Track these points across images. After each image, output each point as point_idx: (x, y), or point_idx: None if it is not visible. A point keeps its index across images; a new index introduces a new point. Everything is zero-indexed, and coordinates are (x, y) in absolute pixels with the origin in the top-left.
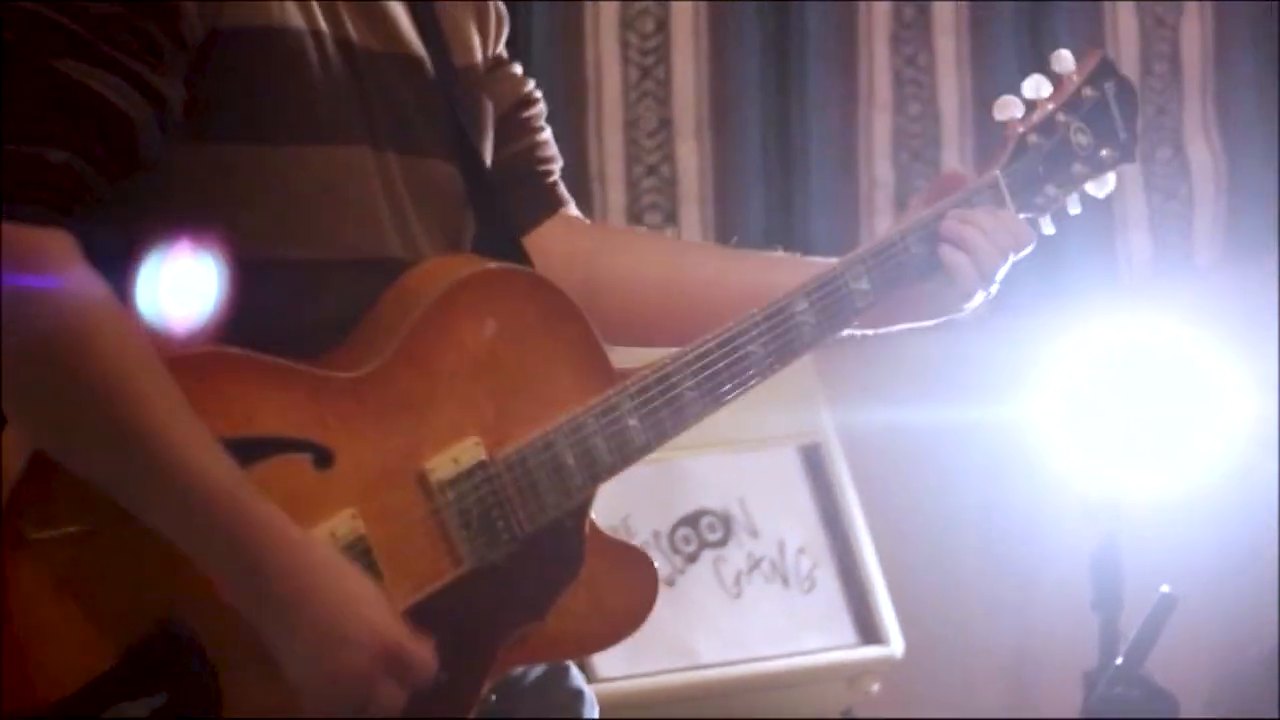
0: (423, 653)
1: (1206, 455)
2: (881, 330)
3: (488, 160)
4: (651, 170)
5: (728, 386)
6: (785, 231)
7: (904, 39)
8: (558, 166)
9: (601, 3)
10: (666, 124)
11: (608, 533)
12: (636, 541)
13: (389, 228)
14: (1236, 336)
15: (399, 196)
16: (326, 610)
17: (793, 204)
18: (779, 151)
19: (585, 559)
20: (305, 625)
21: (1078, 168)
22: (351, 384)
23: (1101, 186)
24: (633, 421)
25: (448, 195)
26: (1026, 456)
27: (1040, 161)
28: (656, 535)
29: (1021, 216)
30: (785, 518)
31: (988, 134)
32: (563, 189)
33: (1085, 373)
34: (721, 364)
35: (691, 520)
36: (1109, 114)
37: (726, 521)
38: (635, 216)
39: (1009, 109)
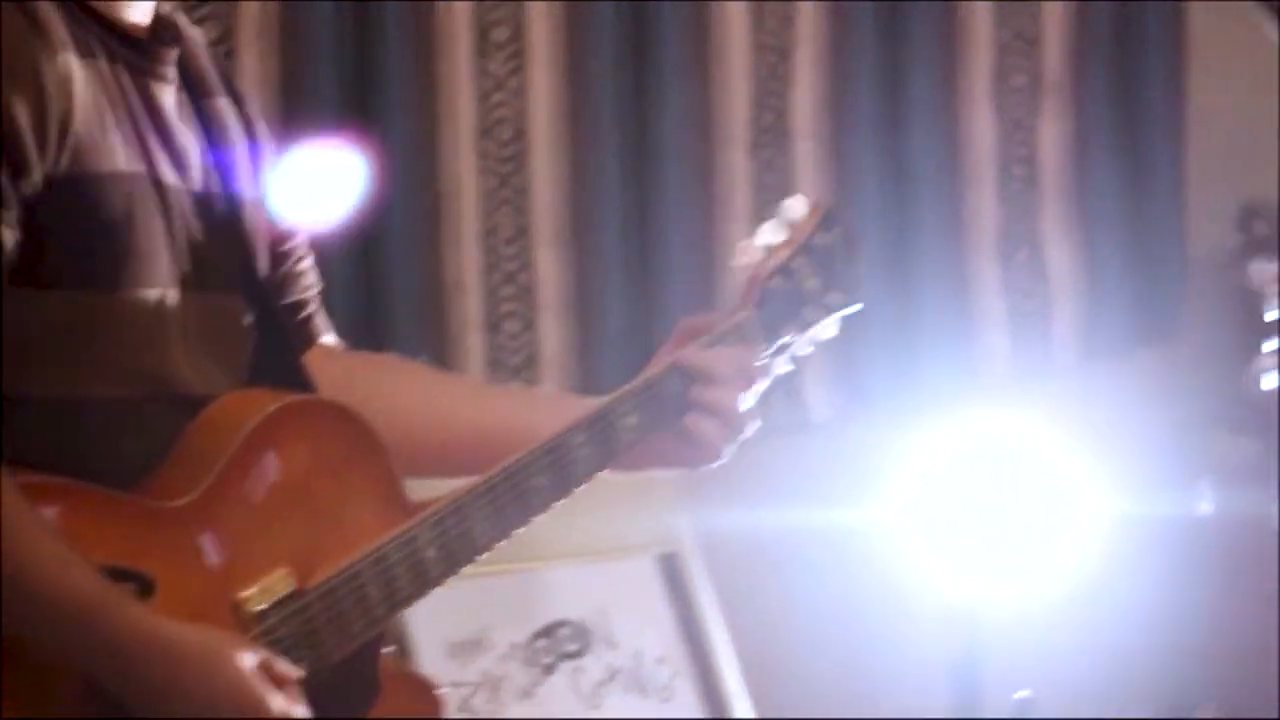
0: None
1: (1065, 557)
2: (638, 471)
3: (265, 288)
4: (510, 278)
5: (516, 518)
6: (645, 340)
7: (762, 143)
8: (313, 295)
9: (460, 110)
10: (525, 232)
11: (395, 660)
12: (495, 653)
13: (188, 364)
14: (1095, 437)
15: (196, 332)
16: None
17: (653, 312)
18: (639, 259)
19: (382, 686)
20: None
21: (809, 311)
22: (171, 514)
23: (829, 329)
24: (430, 553)
25: (237, 327)
26: (885, 561)
27: (779, 305)
28: (514, 647)
29: (762, 358)
30: (644, 627)
31: None
32: (319, 319)
33: (943, 475)
34: (509, 496)
35: (549, 631)
36: (836, 259)
37: (585, 632)
38: (493, 325)
39: (748, 254)
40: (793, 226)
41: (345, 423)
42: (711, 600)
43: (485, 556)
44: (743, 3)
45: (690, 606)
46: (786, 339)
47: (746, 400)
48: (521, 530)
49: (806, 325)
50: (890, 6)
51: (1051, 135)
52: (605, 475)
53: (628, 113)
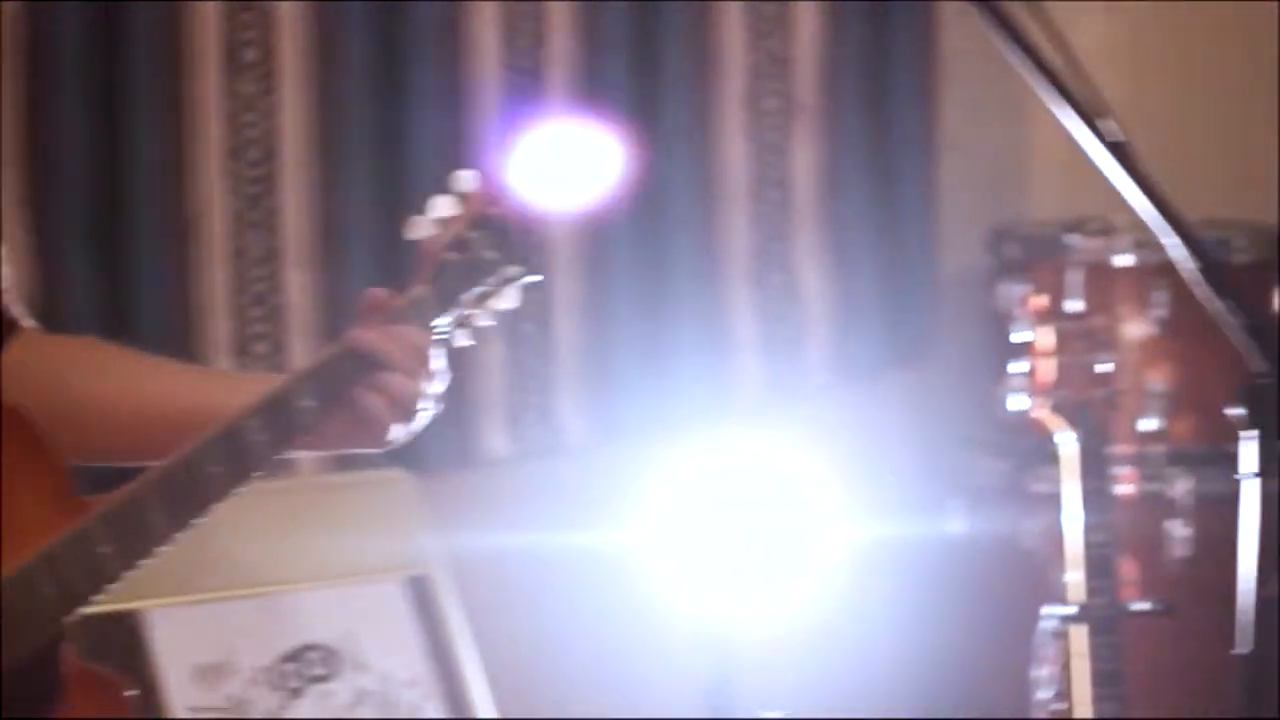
0: None
1: (817, 578)
2: (332, 453)
3: None
4: (259, 300)
5: (194, 508)
6: None
7: None
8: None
9: (209, 131)
10: (274, 253)
11: (79, 660)
12: (241, 677)
13: None
14: (848, 458)
15: None
16: None
17: None
18: (391, 282)
19: (64, 687)
20: None
21: (487, 283)
22: None
23: (509, 301)
24: (104, 549)
25: None
26: (638, 583)
27: (455, 278)
28: (261, 670)
29: (441, 333)
30: (393, 651)
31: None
32: (9, 311)
33: (696, 497)
34: (185, 486)
35: (296, 655)
36: (513, 230)
37: (333, 656)
38: (242, 347)
39: (421, 228)
40: (467, 199)
41: (12, 425)
42: (461, 622)
43: (230, 576)
44: (494, 23)
45: (440, 629)
46: (465, 312)
47: (420, 379)
48: (202, 520)
49: (485, 297)
50: (641, 29)
51: (803, 158)
52: (352, 500)
53: (379, 134)
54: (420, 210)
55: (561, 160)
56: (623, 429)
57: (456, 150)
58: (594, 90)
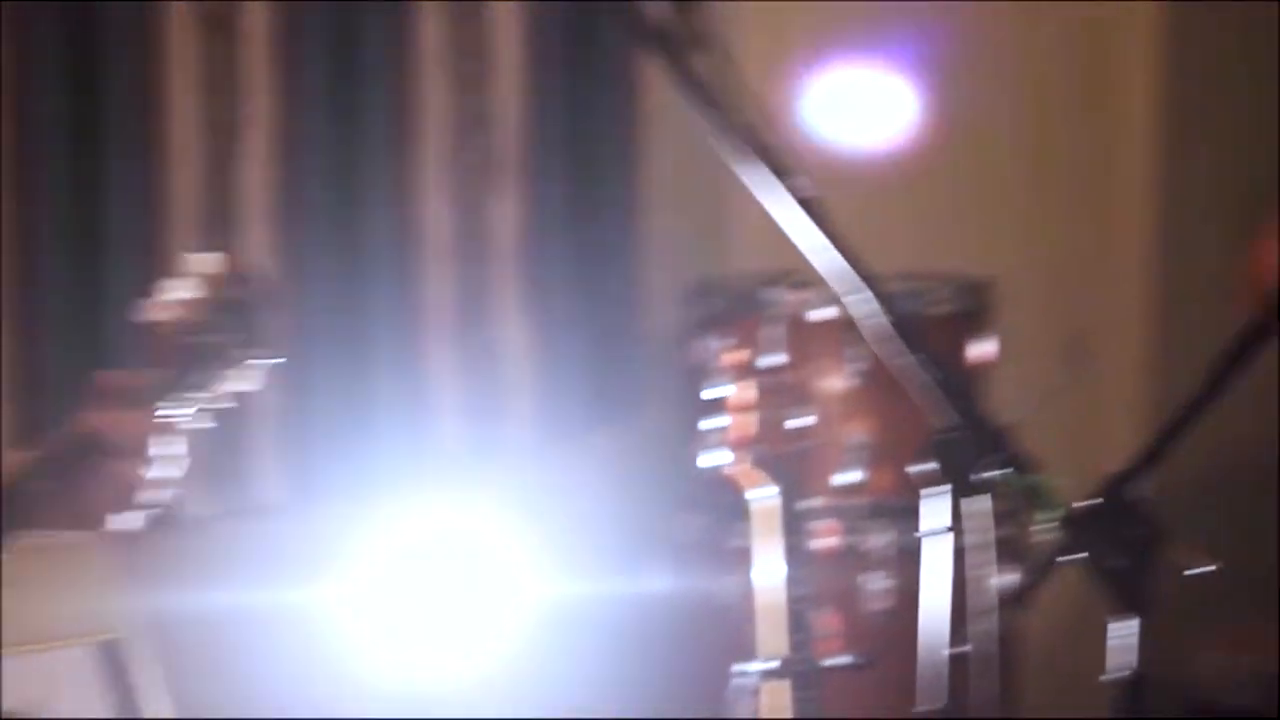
0: None
1: (517, 638)
2: (63, 531)
3: None
4: None
5: None
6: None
7: (211, 226)
8: None
9: None
10: None
11: None
12: None
13: None
14: (550, 518)
15: None
16: None
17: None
18: (85, 346)
19: None
20: None
21: (224, 365)
22: None
23: (249, 383)
24: None
25: None
26: (338, 642)
27: (192, 361)
28: None
29: (172, 414)
30: (85, 716)
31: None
32: None
33: (395, 557)
34: None
35: None
36: (251, 312)
37: None
38: None
39: (154, 311)
40: (204, 281)
41: None
42: (157, 686)
43: None
44: (193, 82)
45: (132, 693)
46: (201, 395)
47: (145, 466)
48: None
49: (222, 380)
50: (340, 86)
51: (505, 215)
52: (41, 563)
53: (73, 195)
54: (117, 265)
55: (855, 102)
56: (321, 490)
57: (154, 210)
58: (294, 148)
